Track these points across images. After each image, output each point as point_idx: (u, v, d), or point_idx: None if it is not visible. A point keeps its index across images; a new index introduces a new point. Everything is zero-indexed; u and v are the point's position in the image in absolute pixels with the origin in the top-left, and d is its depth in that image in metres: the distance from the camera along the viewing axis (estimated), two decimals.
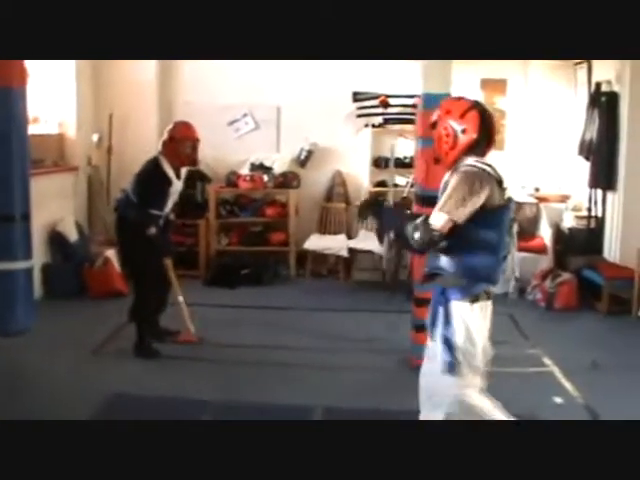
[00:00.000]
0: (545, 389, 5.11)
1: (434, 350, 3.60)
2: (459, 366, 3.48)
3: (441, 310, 3.52)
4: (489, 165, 3.44)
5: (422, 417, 3.69)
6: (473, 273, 3.43)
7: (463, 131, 3.44)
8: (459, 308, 3.47)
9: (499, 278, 3.50)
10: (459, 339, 3.47)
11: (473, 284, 3.45)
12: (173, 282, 5.94)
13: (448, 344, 3.48)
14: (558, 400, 4.91)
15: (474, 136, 3.45)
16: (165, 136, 5.72)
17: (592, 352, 5.77)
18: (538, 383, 5.24)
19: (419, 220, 3.40)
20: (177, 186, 5.76)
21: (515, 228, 3.62)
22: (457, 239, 3.38)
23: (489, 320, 3.58)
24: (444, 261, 3.48)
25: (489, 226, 3.41)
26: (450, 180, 3.44)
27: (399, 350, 5.62)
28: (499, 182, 3.43)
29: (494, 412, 3.54)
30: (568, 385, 5.16)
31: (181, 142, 5.66)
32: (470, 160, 3.44)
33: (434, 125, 3.55)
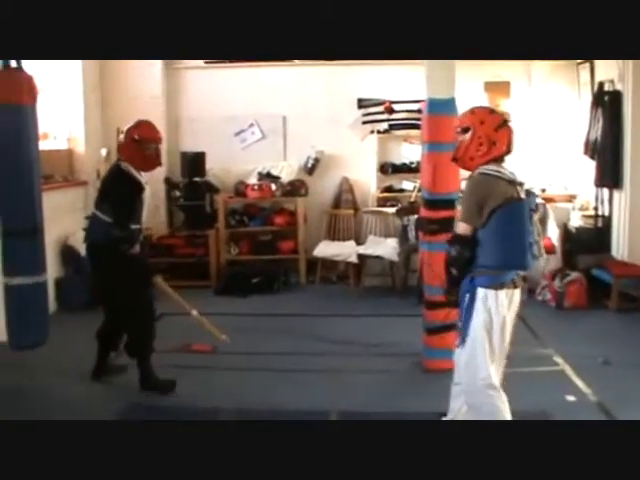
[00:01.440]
0: (557, 388, 5.13)
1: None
2: (475, 347, 3.69)
3: (467, 296, 3.72)
4: (499, 169, 3.71)
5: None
6: (501, 261, 3.66)
7: (494, 143, 3.72)
8: (484, 294, 3.67)
9: (529, 263, 3.70)
10: (479, 324, 3.67)
11: (501, 271, 3.68)
12: (175, 297, 5.53)
13: (467, 325, 3.71)
14: (570, 398, 4.93)
15: (504, 150, 3.77)
16: (125, 138, 5.14)
17: (603, 350, 5.79)
18: (550, 382, 5.25)
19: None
20: (148, 192, 5.23)
21: (537, 216, 3.81)
22: (483, 234, 3.66)
23: (514, 311, 3.79)
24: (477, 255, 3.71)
25: (509, 219, 3.65)
26: (465, 188, 3.78)
27: (412, 353, 5.65)
28: (511, 182, 3.68)
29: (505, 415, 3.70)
30: (580, 383, 5.18)
31: (146, 143, 5.12)
32: (484, 167, 3.72)
33: (466, 130, 3.77)
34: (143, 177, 5.17)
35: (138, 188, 5.07)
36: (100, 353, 5.43)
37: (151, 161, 5.19)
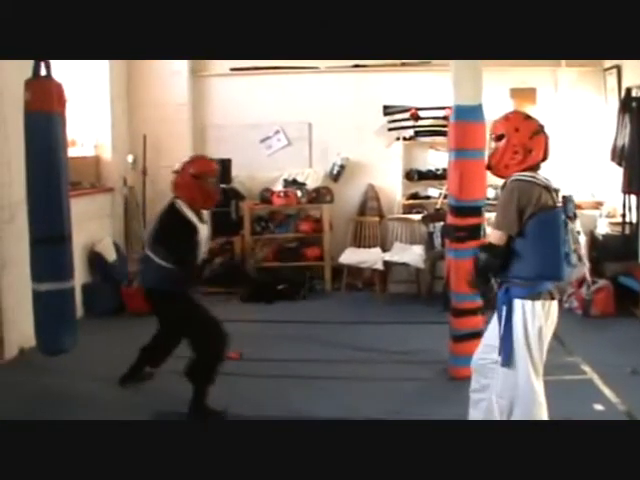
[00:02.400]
0: (585, 397, 5.09)
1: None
2: (516, 361, 3.63)
3: (504, 308, 3.66)
4: (535, 175, 3.66)
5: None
6: (536, 271, 3.59)
7: (530, 151, 3.65)
8: (520, 306, 3.62)
9: (564, 273, 3.62)
10: (519, 337, 3.62)
11: (537, 282, 3.60)
12: None
13: (508, 340, 3.63)
14: (599, 407, 4.88)
15: (540, 158, 3.70)
16: (182, 176, 4.88)
17: (631, 359, 5.74)
18: (577, 391, 5.21)
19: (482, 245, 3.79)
20: (204, 232, 4.98)
21: (572, 225, 3.71)
22: (517, 243, 3.60)
23: (553, 322, 3.72)
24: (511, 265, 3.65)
25: (544, 228, 3.59)
26: (502, 195, 3.70)
27: (438, 361, 5.63)
28: (546, 188, 3.62)
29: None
30: (608, 392, 5.13)
31: (204, 179, 4.87)
32: (518, 173, 3.66)
33: (500, 138, 3.70)
34: (203, 214, 5.02)
35: (191, 230, 4.80)
36: (137, 364, 5.40)
37: (213, 196, 4.95)
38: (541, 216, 3.56)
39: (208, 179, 4.88)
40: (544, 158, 3.74)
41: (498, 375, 3.74)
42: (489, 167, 3.83)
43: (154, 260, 4.81)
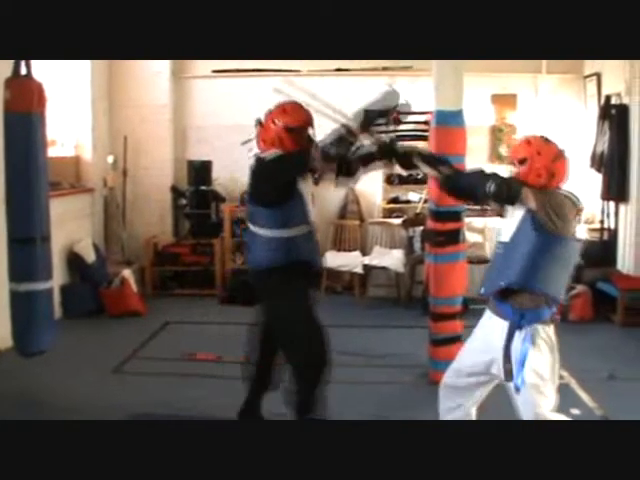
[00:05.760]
0: (562, 401, 5.07)
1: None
2: (544, 388, 3.59)
3: (522, 334, 3.53)
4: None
5: None
6: (555, 290, 3.54)
7: (553, 174, 3.58)
8: (544, 331, 3.57)
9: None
10: (546, 363, 3.58)
11: (551, 303, 3.56)
12: None
13: (535, 370, 3.54)
14: (576, 412, 4.90)
15: (562, 181, 3.63)
16: (272, 127, 4.29)
17: (608, 364, 5.78)
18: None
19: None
20: (308, 188, 4.35)
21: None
22: (544, 253, 3.47)
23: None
24: (526, 275, 3.51)
25: (569, 246, 3.54)
26: (553, 197, 3.54)
27: (417, 365, 5.65)
28: (578, 210, 3.60)
29: None
30: (585, 397, 5.18)
31: (300, 131, 4.26)
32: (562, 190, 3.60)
33: (522, 161, 3.61)
34: None
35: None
36: (252, 398, 4.71)
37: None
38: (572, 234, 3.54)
39: (302, 131, 4.27)
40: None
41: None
42: None
43: (256, 234, 4.24)
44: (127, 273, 7.66)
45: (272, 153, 4.23)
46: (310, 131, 4.27)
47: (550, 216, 3.40)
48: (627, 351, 6.35)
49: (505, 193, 3.48)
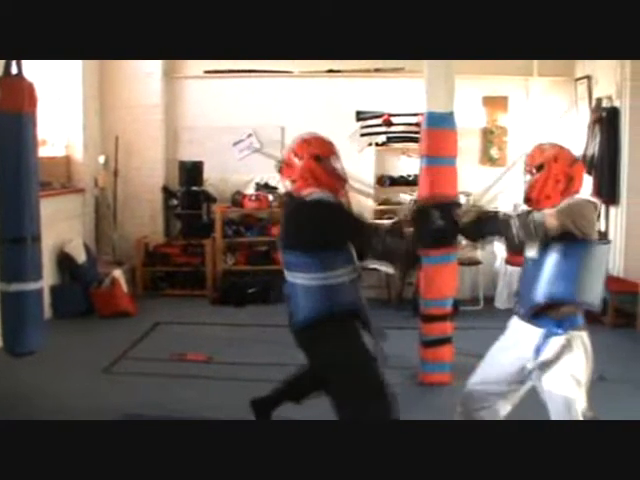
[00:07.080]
0: None
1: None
2: (579, 392, 3.60)
3: (559, 341, 3.55)
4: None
5: None
6: (592, 298, 3.56)
7: (572, 179, 3.58)
8: (580, 337, 3.59)
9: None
10: (582, 368, 3.60)
11: (584, 309, 3.60)
12: None
13: (573, 375, 3.58)
14: None
15: (580, 186, 3.64)
16: (302, 158, 4.00)
17: (598, 365, 5.76)
18: None
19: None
20: None
21: None
22: (577, 262, 3.47)
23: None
24: (563, 288, 3.50)
25: (599, 250, 3.55)
26: (575, 204, 3.52)
27: (407, 366, 5.64)
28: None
29: None
30: None
31: (328, 160, 4.01)
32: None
33: (539, 168, 3.58)
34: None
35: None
36: (279, 396, 4.70)
37: (339, 178, 4.08)
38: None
39: (328, 159, 4.03)
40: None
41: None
42: (528, 200, 3.64)
43: (298, 284, 4.02)
44: (118, 273, 7.66)
45: (314, 194, 3.95)
46: (337, 165, 4.04)
47: (576, 224, 3.38)
48: (617, 352, 6.36)
49: (534, 232, 3.41)
